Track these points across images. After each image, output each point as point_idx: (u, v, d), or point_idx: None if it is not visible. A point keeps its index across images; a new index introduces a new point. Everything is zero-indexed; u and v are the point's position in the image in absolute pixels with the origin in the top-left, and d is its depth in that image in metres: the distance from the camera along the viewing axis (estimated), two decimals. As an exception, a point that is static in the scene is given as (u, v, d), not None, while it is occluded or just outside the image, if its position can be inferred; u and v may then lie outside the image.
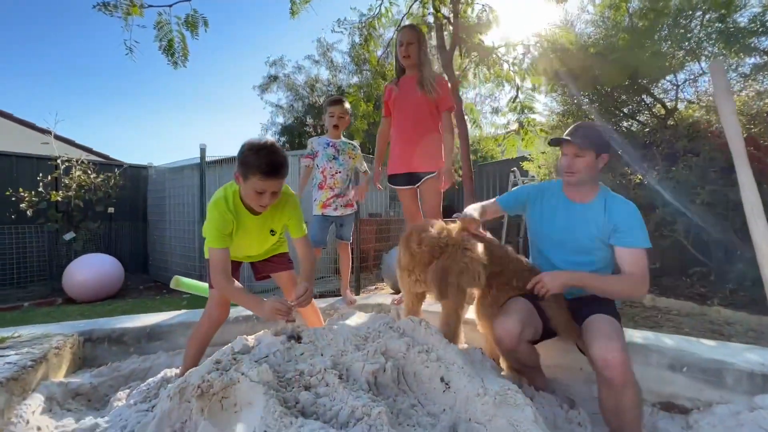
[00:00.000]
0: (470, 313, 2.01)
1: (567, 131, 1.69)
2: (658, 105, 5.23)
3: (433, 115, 2.47)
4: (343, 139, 2.77)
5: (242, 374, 1.04)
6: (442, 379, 1.26)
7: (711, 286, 4.26)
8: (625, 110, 5.37)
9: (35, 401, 1.49)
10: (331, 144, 2.69)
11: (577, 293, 1.71)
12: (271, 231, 1.87)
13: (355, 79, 11.64)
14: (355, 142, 2.85)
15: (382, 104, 2.70)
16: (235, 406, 1.00)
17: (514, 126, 5.84)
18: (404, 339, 1.39)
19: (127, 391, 1.71)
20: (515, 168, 7.17)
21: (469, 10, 4.56)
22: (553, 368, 1.85)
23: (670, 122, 4.93)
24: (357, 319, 1.99)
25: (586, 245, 1.68)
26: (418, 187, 2.50)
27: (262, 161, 1.54)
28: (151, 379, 1.70)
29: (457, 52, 4.89)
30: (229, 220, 1.67)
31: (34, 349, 1.70)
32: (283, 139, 12.28)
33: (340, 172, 2.67)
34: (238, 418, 0.98)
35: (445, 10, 4.48)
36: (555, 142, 1.72)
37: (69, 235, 5.96)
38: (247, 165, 1.56)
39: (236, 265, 1.96)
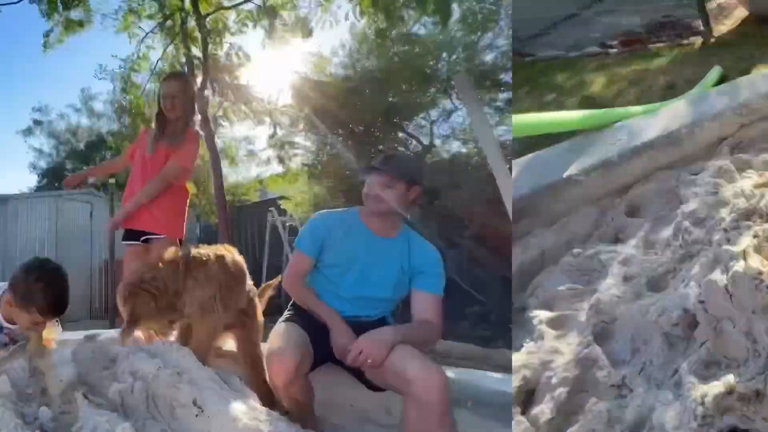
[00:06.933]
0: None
1: (378, 160, 1.61)
2: (414, 141, 5.64)
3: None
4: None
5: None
6: (194, 403, 1.11)
7: (492, 326, 3.91)
8: (381, 147, 5.51)
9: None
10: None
11: (360, 318, 1.52)
12: None
13: (115, 126, 10.81)
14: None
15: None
16: (-34, 421, 0.87)
17: (275, 164, 5.84)
18: (154, 360, 1.36)
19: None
20: (272, 208, 6.93)
21: (219, 49, 4.76)
22: (318, 406, 1.50)
23: (428, 157, 5.18)
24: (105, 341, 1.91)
25: (389, 282, 1.56)
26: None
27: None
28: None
29: (210, 91, 4.96)
30: None
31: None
32: (44, 180, 12.98)
33: None
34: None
35: (196, 51, 4.64)
36: (364, 171, 1.61)
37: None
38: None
39: None
